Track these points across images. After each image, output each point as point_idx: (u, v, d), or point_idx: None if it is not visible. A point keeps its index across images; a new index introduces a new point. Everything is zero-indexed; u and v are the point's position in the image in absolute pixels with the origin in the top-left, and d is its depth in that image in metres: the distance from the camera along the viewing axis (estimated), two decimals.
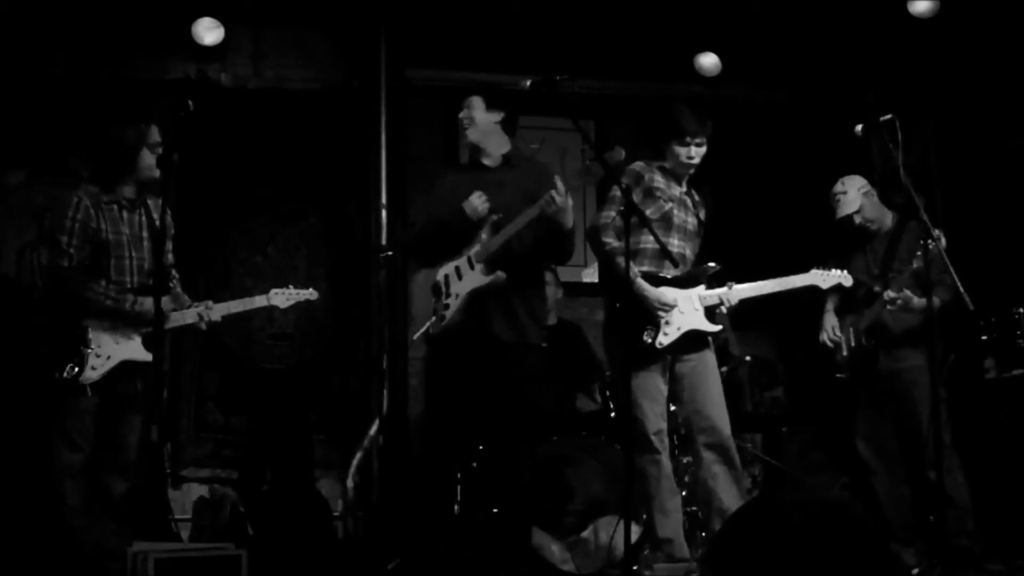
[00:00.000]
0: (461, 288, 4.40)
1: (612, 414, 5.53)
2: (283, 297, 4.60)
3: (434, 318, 4.46)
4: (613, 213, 4.53)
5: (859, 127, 4.30)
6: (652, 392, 4.51)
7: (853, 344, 5.10)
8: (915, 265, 4.70)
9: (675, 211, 4.60)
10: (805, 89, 6.90)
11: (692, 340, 4.55)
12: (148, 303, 4.18)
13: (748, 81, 6.84)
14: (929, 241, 4.22)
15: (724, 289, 4.54)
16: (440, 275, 4.48)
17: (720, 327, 4.59)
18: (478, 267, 4.40)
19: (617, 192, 4.48)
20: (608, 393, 5.60)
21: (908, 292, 4.83)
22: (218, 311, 4.43)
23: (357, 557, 5.32)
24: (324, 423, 6.39)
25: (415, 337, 4.50)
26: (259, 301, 4.57)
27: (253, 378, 6.44)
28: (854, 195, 5.15)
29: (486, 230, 4.40)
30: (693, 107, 4.68)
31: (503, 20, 6.34)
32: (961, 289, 4.22)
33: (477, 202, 4.39)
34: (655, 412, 4.50)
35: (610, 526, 4.85)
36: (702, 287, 4.57)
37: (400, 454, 5.87)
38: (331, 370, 6.51)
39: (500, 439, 4.47)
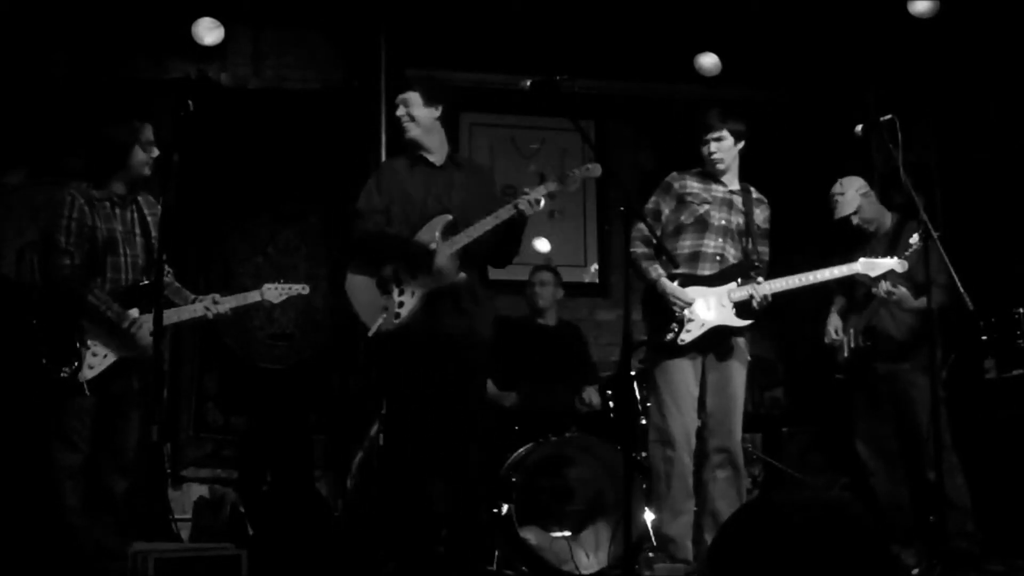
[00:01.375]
0: (418, 286, 4.28)
1: (612, 415, 5.52)
2: (276, 292, 4.63)
3: (385, 314, 4.29)
4: (642, 224, 4.61)
5: (859, 127, 4.31)
6: (681, 392, 4.55)
7: (853, 345, 5.10)
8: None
9: (712, 212, 4.65)
10: (805, 89, 6.89)
11: (721, 342, 4.58)
12: (146, 327, 4.18)
13: (748, 81, 6.83)
14: (929, 241, 4.22)
15: (751, 285, 4.55)
16: (387, 270, 4.32)
17: (751, 321, 4.58)
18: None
19: (647, 205, 4.71)
20: (609, 392, 5.60)
21: (904, 289, 4.83)
22: (225, 304, 4.48)
23: (357, 557, 5.31)
24: (324, 423, 6.38)
25: (370, 334, 4.34)
26: (252, 296, 4.61)
27: (253, 378, 6.44)
28: (852, 196, 5.16)
29: (439, 231, 4.30)
30: (721, 105, 4.75)
31: (503, 20, 6.34)
32: (961, 289, 4.21)
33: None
34: (682, 411, 4.53)
35: (610, 526, 4.85)
36: (733, 284, 4.58)
37: (400, 454, 5.85)
38: (331, 370, 6.51)
39: (457, 436, 4.39)
